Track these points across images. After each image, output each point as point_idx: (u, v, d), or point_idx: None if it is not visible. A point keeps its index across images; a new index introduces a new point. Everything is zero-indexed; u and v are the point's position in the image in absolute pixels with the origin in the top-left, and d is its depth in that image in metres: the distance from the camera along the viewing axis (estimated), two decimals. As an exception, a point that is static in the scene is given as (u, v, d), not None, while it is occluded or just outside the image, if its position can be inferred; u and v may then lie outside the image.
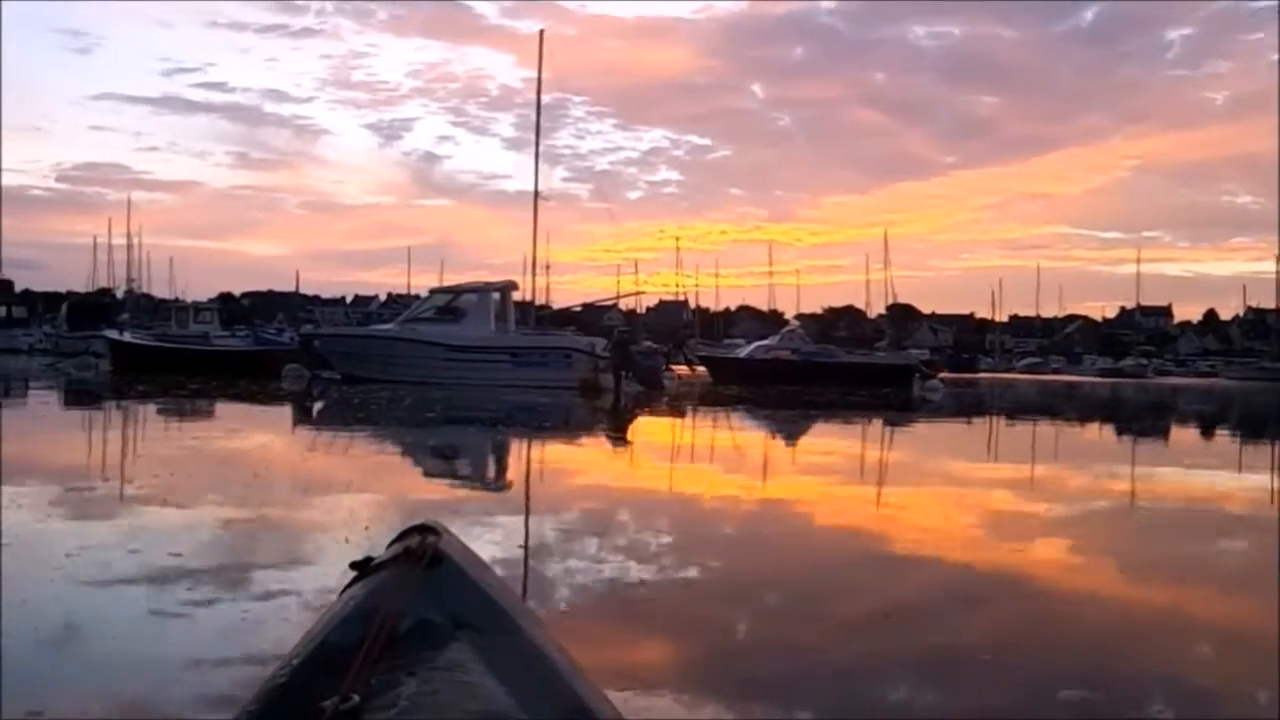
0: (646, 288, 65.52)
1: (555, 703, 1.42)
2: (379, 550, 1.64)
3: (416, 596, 1.49)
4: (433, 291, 33.69)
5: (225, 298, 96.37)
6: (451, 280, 39.43)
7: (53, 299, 71.82)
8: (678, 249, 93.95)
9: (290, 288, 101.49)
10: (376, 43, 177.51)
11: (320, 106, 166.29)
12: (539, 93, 36.33)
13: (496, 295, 31.27)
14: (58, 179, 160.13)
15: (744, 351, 45.62)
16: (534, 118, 36.27)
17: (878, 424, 22.35)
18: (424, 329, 30.12)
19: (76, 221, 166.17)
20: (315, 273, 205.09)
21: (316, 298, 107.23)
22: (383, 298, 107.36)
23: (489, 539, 6.28)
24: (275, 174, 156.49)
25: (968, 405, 32.16)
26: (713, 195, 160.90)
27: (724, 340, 67.39)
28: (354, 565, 1.63)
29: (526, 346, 30.40)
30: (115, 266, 66.61)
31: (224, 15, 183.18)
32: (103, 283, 67.68)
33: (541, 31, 37.07)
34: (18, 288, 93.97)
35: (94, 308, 56.76)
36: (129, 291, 64.15)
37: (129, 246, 65.76)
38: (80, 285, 71.50)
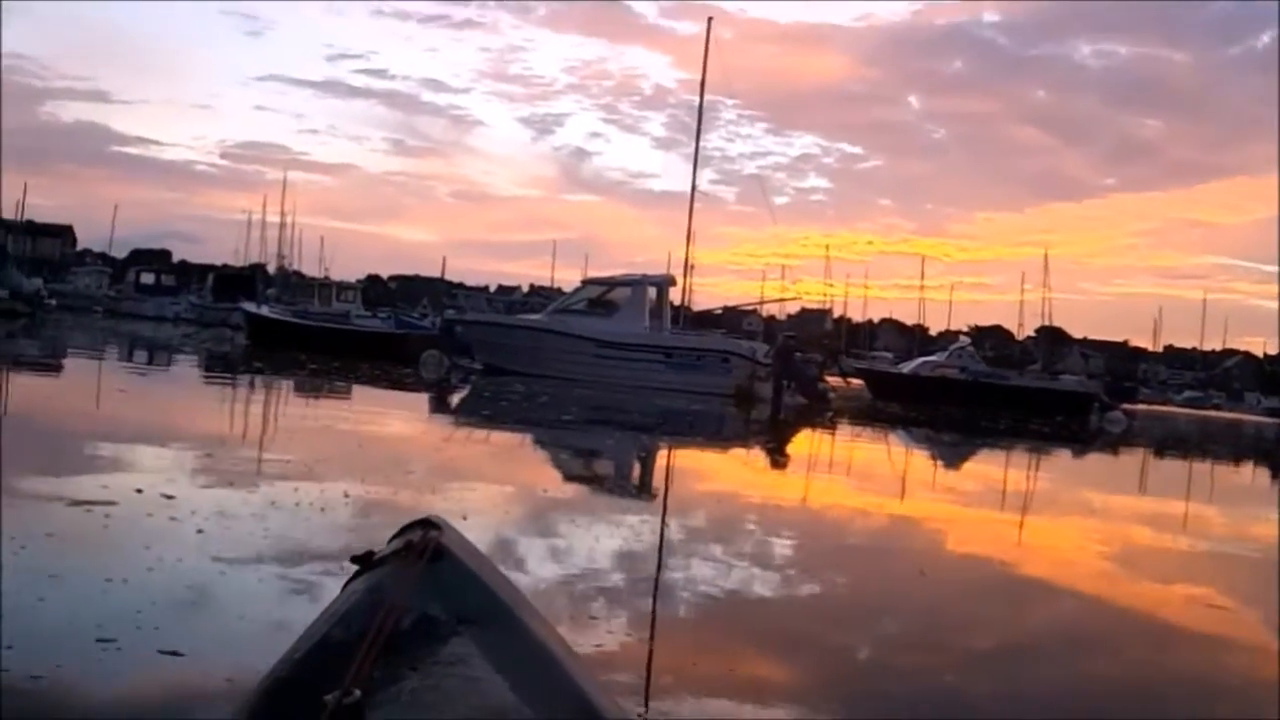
0: (794, 294, 62.36)
1: (558, 697, 1.41)
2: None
3: (418, 591, 1.48)
4: (585, 282, 31.34)
5: (373, 279, 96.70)
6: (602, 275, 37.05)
7: (206, 271, 72.21)
8: (827, 257, 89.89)
9: (436, 273, 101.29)
10: (534, 38, 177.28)
11: (476, 98, 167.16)
12: (703, 80, 33.60)
13: (653, 290, 28.97)
14: (221, 155, 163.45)
15: (908, 367, 42.78)
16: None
17: (1072, 458, 19.68)
18: (573, 321, 27.92)
19: (236, 198, 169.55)
20: (461, 260, 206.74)
21: (461, 285, 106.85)
22: (525, 288, 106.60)
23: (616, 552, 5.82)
24: (428, 162, 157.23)
25: (1157, 441, 28.93)
26: (861, 205, 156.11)
27: (870, 353, 64.89)
28: (355, 559, 1.63)
29: (681, 347, 27.92)
30: (268, 243, 67.09)
31: (389, 5, 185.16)
32: (255, 258, 67.83)
33: (710, 19, 34.26)
34: (175, 258, 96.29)
35: (239, 280, 56.50)
36: (280, 268, 64.23)
37: (282, 224, 66.31)
38: (233, 259, 71.91)
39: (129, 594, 3.95)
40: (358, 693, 1.28)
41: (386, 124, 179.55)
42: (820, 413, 25.41)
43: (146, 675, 3.21)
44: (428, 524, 1.67)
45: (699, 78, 33.71)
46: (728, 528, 7.36)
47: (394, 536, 1.69)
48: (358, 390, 19.27)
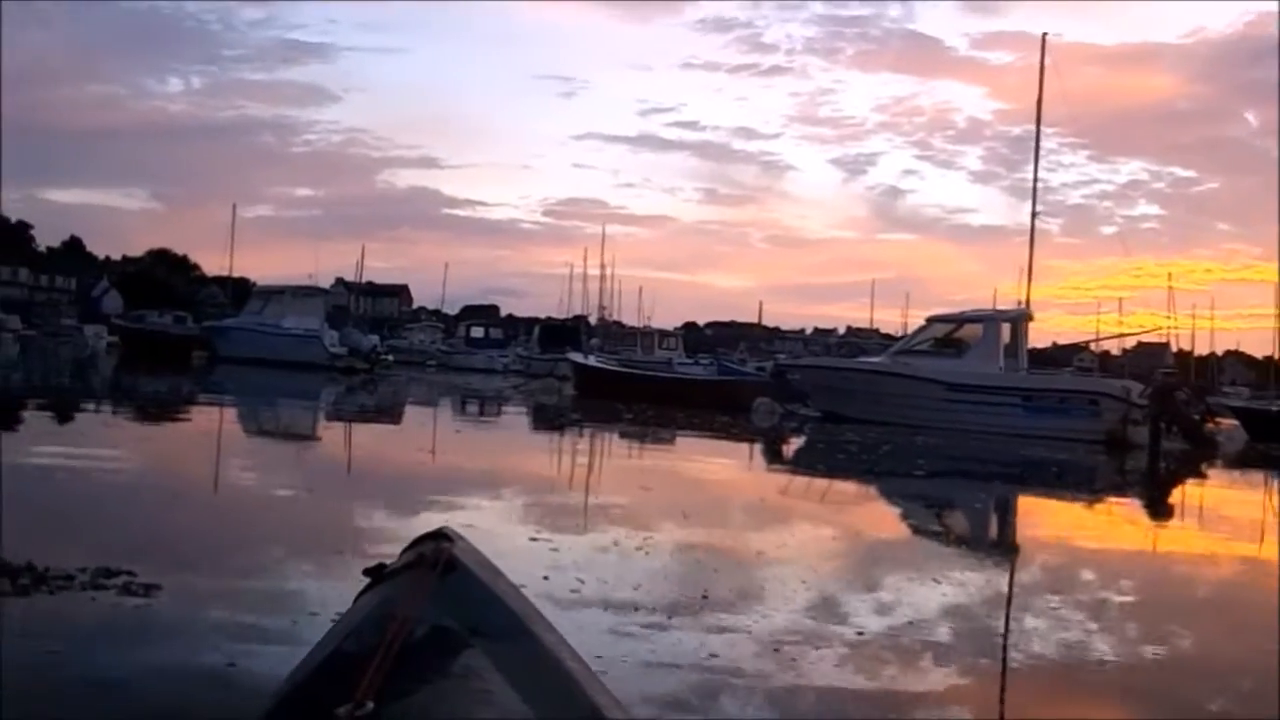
0: (1149, 328, 57.18)
1: (570, 709, 1.39)
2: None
3: (430, 603, 1.46)
4: (930, 320, 28.79)
5: (689, 327, 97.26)
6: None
7: (531, 323, 74.51)
8: (1170, 287, 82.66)
9: (751, 319, 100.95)
10: (843, 79, 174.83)
11: (786, 142, 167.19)
12: (1039, 100, 29.40)
13: (1007, 326, 26.29)
14: (543, 213, 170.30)
15: (1294, 406, 37.92)
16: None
17: None
18: (918, 363, 25.64)
19: (558, 252, 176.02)
20: (776, 305, 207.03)
21: (777, 329, 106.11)
22: (842, 330, 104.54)
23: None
24: (741, 209, 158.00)
25: None
26: (1197, 231, 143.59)
27: (1220, 389, 59.41)
28: (367, 572, 1.61)
29: (1042, 389, 25.12)
30: (589, 295, 68.57)
31: (698, 57, 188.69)
32: (577, 309, 69.68)
33: (1045, 35, 30.10)
34: (503, 312, 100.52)
35: (563, 331, 57.43)
36: (601, 318, 65.20)
37: (602, 276, 67.90)
38: (556, 311, 73.78)
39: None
40: (370, 705, 1.26)
41: (699, 174, 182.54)
42: (1206, 459, 22.24)
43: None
44: (440, 536, 1.62)
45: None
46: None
47: (406, 549, 1.66)
48: (693, 441, 18.29)
